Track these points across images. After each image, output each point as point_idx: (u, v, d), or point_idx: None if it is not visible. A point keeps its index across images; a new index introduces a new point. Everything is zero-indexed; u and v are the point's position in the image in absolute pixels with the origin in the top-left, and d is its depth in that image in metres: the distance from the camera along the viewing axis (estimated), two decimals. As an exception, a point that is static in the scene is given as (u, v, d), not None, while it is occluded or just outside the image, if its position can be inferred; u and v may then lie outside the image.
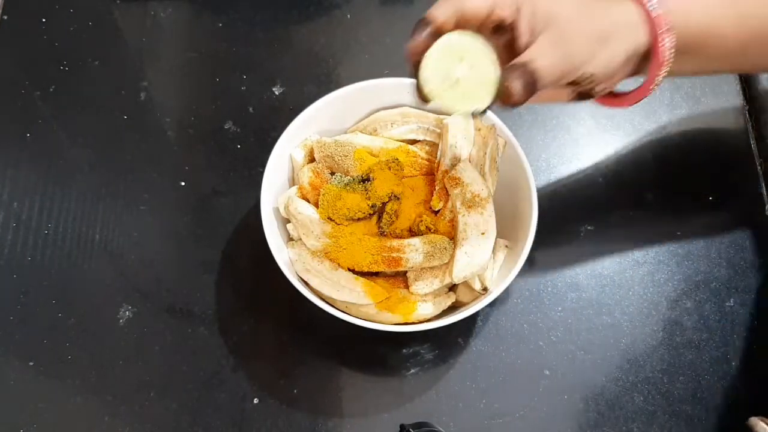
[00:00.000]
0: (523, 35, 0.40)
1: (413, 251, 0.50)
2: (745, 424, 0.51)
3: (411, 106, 0.56)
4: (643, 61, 0.42)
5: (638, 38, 0.41)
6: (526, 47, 0.40)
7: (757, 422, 0.50)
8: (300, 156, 0.55)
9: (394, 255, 0.50)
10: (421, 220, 0.52)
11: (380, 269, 0.51)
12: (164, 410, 0.53)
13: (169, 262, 0.59)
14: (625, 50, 0.40)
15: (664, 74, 0.42)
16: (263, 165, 0.52)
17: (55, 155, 0.62)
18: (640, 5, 0.40)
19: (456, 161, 0.53)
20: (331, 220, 0.52)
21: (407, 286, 0.51)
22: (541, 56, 0.39)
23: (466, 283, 0.51)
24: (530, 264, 0.54)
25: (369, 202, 0.51)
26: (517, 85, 0.38)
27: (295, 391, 0.54)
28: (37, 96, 0.65)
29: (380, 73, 0.58)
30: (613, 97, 0.46)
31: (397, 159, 0.53)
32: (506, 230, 0.53)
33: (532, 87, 0.39)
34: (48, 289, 0.57)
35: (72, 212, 0.60)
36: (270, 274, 0.53)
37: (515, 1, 0.40)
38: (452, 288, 0.53)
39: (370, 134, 0.56)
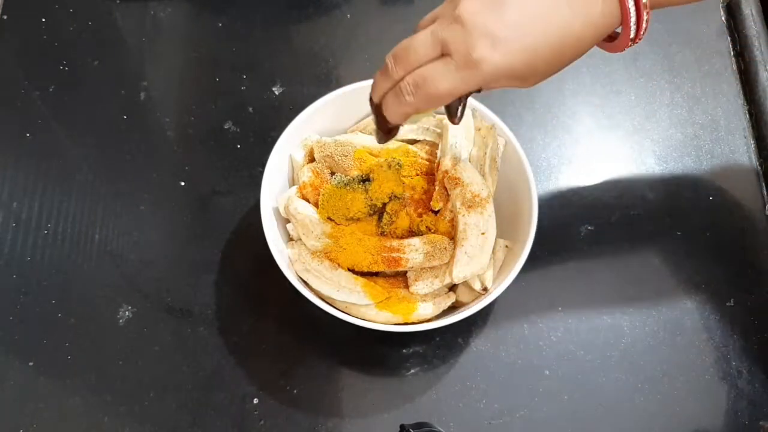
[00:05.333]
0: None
1: (413, 251, 0.50)
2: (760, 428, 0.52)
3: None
4: None
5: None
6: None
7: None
8: (300, 156, 0.55)
9: (394, 255, 0.50)
10: (421, 220, 0.52)
11: (380, 269, 0.51)
12: (164, 410, 0.53)
13: (169, 262, 0.58)
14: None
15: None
16: (263, 165, 0.52)
17: (55, 155, 0.62)
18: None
19: (456, 161, 0.53)
20: (331, 220, 0.52)
21: (407, 287, 0.51)
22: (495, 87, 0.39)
23: (466, 283, 0.51)
24: (530, 264, 0.54)
25: (369, 202, 0.51)
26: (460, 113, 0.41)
27: (295, 391, 0.54)
28: (37, 96, 0.65)
29: (380, 73, 0.58)
30: (606, 41, 0.43)
31: (398, 159, 0.53)
32: (506, 230, 0.53)
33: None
34: (48, 289, 0.57)
35: (72, 212, 0.60)
36: (270, 274, 0.53)
37: (483, 83, 0.38)
38: (452, 288, 0.53)
39: (370, 134, 0.56)
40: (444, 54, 0.37)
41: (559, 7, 0.37)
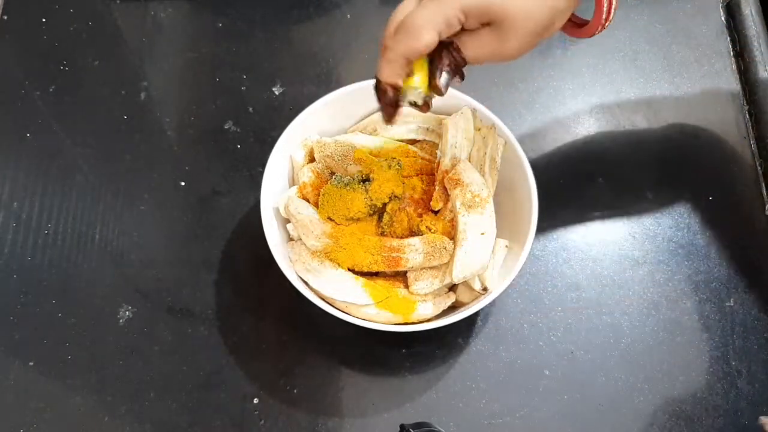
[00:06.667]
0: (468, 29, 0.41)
1: (413, 251, 0.50)
2: (757, 424, 0.52)
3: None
4: None
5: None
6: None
7: (766, 422, 0.51)
8: (300, 156, 0.55)
9: (394, 255, 0.50)
10: (421, 220, 0.52)
11: (380, 269, 0.51)
12: (164, 410, 0.53)
13: (169, 262, 0.59)
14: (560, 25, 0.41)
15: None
16: (263, 165, 0.52)
17: (55, 155, 0.62)
18: None
19: (456, 161, 0.53)
20: (331, 220, 0.52)
21: (407, 286, 0.51)
22: (477, 48, 0.40)
23: (466, 283, 0.51)
24: (530, 264, 0.54)
25: (369, 202, 0.51)
26: (444, 78, 0.41)
27: (295, 391, 0.54)
28: (37, 96, 0.65)
29: (380, 73, 0.58)
30: (575, 28, 0.46)
31: (397, 159, 0.53)
32: (506, 230, 0.53)
33: (456, 73, 0.41)
34: (48, 289, 0.57)
35: (72, 212, 0.60)
36: (270, 274, 0.53)
37: (460, 13, 0.39)
38: (452, 288, 0.53)
39: (370, 134, 0.56)
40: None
41: None
